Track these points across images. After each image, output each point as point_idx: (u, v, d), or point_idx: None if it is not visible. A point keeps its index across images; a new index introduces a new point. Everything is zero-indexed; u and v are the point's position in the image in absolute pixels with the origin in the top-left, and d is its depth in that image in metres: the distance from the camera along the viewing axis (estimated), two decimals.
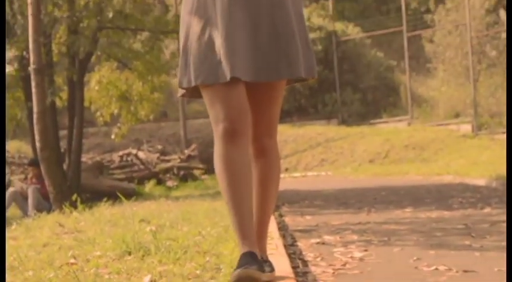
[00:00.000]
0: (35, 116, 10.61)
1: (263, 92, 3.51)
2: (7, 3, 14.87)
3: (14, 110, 16.19)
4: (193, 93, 3.54)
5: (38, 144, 10.77)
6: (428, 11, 29.92)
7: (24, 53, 13.37)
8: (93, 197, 14.75)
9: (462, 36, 26.65)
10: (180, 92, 3.56)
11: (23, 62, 14.02)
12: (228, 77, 3.29)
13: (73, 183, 13.51)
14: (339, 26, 30.53)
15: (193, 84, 3.39)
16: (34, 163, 13.79)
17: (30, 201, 13.09)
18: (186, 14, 3.47)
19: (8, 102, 15.89)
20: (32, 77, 10.64)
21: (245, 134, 3.36)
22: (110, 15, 14.29)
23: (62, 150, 15.54)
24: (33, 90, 10.62)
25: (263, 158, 3.54)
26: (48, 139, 10.83)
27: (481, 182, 13.85)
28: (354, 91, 29.41)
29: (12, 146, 21.79)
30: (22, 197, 13.39)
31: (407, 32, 27.93)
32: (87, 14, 14.07)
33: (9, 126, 17.18)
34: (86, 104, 16.12)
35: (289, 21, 3.43)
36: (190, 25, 3.43)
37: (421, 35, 29.24)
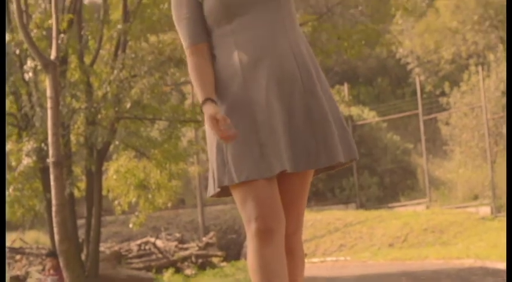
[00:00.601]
0: (53, 208, 10.69)
1: (293, 184, 3.45)
2: (26, 96, 15.10)
3: (32, 201, 16.24)
4: (222, 192, 3.45)
5: (56, 237, 10.83)
6: (443, 93, 30.07)
7: (43, 144, 13.51)
8: None
9: (478, 118, 26.72)
10: (213, 191, 3.44)
11: (41, 153, 14.14)
12: (276, 171, 3.25)
13: (91, 274, 13.50)
14: (354, 110, 30.71)
15: (236, 181, 3.29)
16: (52, 254, 13.81)
17: None
18: None
19: (27, 193, 15.98)
20: (51, 170, 10.77)
21: (280, 232, 3.30)
22: (128, 105, 14.46)
23: (80, 240, 15.56)
24: (52, 183, 10.74)
25: (289, 255, 3.45)
26: (66, 231, 10.90)
27: (502, 265, 13.70)
28: (371, 175, 29.40)
29: (30, 237, 21.88)
30: None
31: (423, 115, 28.05)
32: (105, 104, 14.25)
33: (27, 217, 17.23)
34: (104, 192, 16.21)
35: (322, 107, 3.42)
36: None
37: (436, 117, 29.35)
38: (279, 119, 3.33)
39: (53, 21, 10.28)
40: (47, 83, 10.18)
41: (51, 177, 10.72)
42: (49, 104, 10.16)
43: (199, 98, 3.34)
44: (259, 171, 3.25)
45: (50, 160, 10.78)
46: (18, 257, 18.05)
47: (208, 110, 3.25)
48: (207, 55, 3.47)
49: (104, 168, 16.06)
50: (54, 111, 10.06)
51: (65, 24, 12.49)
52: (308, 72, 3.46)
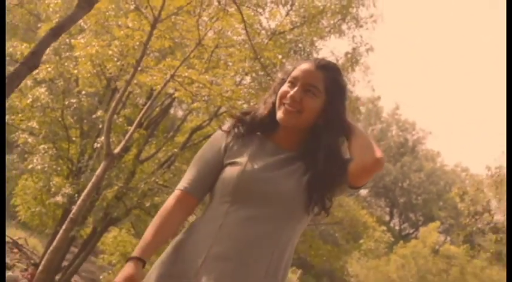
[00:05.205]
0: (51, 247, 11.53)
1: None
2: None
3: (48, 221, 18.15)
4: None
5: (42, 264, 11.58)
6: None
7: None
8: None
9: None
10: None
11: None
12: None
13: None
14: None
15: None
16: (35, 265, 15.75)
17: None
18: None
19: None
20: (67, 222, 11.51)
21: None
22: None
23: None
24: (61, 231, 11.60)
25: None
26: (51, 265, 11.57)
27: None
28: None
29: (31, 242, 22.52)
30: None
31: None
32: None
33: (39, 228, 19.10)
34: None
35: None
36: None
37: None
38: None
39: None
40: None
41: (64, 226, 11.56)
42: None
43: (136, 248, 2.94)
44: None
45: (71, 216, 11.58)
46: (15, 250, 20.06)
47: (130, 269, 2.84)
48: (187, 210, 3.06)
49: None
50: None
51: None
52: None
